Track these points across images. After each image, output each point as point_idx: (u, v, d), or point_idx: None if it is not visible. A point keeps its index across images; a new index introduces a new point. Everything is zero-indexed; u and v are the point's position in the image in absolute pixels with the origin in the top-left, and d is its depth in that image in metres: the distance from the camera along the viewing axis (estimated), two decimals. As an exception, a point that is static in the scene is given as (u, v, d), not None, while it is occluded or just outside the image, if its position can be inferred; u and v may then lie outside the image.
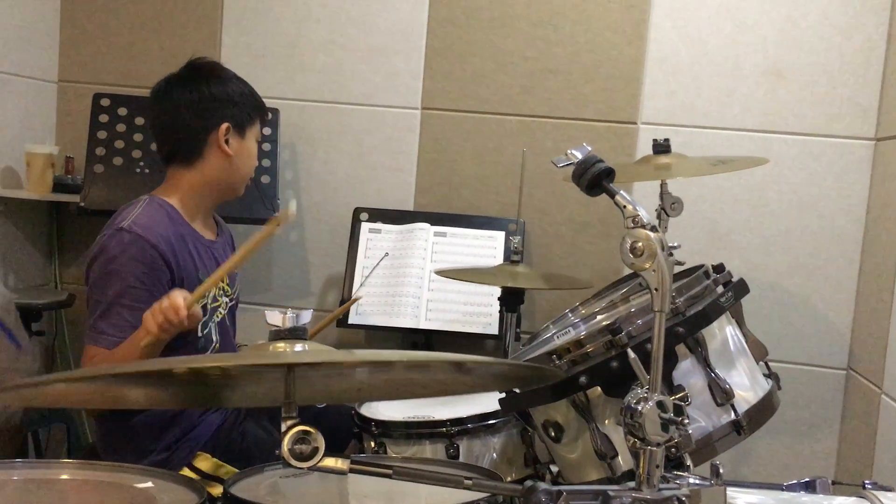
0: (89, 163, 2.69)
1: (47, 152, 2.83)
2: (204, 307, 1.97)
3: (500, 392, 1.66)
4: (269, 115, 2.11)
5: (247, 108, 2.05)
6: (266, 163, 2.77)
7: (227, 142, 2.00)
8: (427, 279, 2.65)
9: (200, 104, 1.99)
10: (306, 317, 1.22)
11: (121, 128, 2.74)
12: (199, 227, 2.03)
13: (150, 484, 1.42)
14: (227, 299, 2.09)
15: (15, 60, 2.85)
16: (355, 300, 2.40)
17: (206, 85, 2.00)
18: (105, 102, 2.76)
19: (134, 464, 1.85)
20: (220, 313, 2.05)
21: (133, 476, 1.45)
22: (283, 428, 1.11)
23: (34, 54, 2.93)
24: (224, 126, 1.99)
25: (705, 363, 1.55)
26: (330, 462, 1.13)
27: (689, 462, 1.42)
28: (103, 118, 2.74)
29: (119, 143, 2.72)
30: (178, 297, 1.72)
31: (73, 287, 3.00)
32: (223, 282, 2.07)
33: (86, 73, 3.01)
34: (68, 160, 2.93)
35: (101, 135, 2.73)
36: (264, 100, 2.82)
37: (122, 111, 2.75)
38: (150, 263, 1.86)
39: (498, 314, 2.55)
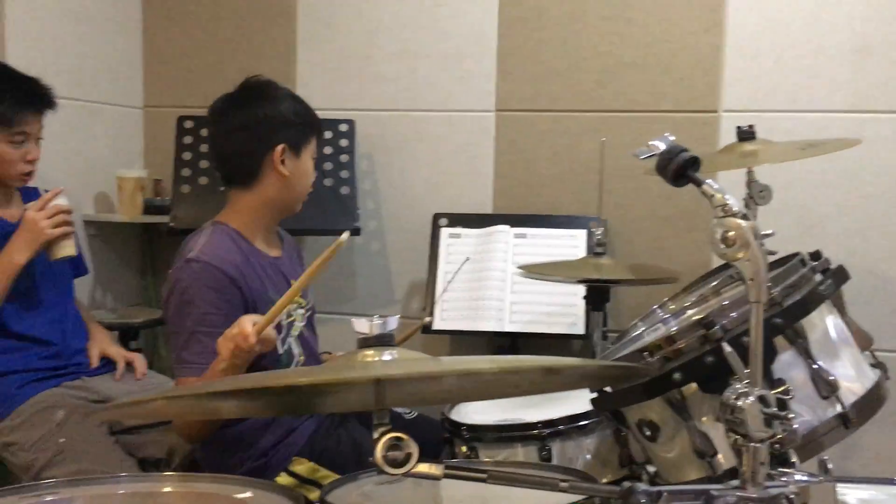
0: (176, 184, 2.78)
1: (137, 176, 2.93)
2: (278, 325, 1.99)
3: (591, 391, 1.63)
4: (324, 132, 2.10)
5: (301, 127, 2.02)
6: (344, 174, 2.81)
7: (283, 163, 1.98)
8: (509, 281, 2.63)
9: (255, 127, 1.98)
10: (393, 323, 1.22)
11: (204, 148, 2.81)
12: (262, 246, 2.05)
13: (249, 494, 1.44)
14: (303, 311, 2.11)
15: (103, 90, 2.96)
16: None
17: (259, 107, 1.99)
18: (189, 124, 2.84)
19: (233, 471, 1.91)
20: (298, 327, 2.08)
21: (233, 486, 1.47)
22: (376, 435, 1.11)
23: (120, 83, 3.05)
24: (279, 148, 1.98)
25: (807, 355, 1.48)
26: (424, 468, 1.13)
27: (794, 458, 1.36)
28: (188, 140, 2.83)
29: (203, 163, 2.79)
30: (247, 324, 1.73)
31: (167, 305, 3.10)
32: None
33: (169, 98, 3.11)
34: (157, 182, 3.03)
35: (187, 156, 2.81)
36: (340, 112, 2.90)
37: (205, 132, 2.81)
38: (222, 289, 1.88)
39: (583, 313, 2.51)
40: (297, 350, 2.04)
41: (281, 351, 1.99)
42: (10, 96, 2.18)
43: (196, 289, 1.88)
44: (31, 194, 2.33)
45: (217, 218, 2.04)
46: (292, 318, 2.05)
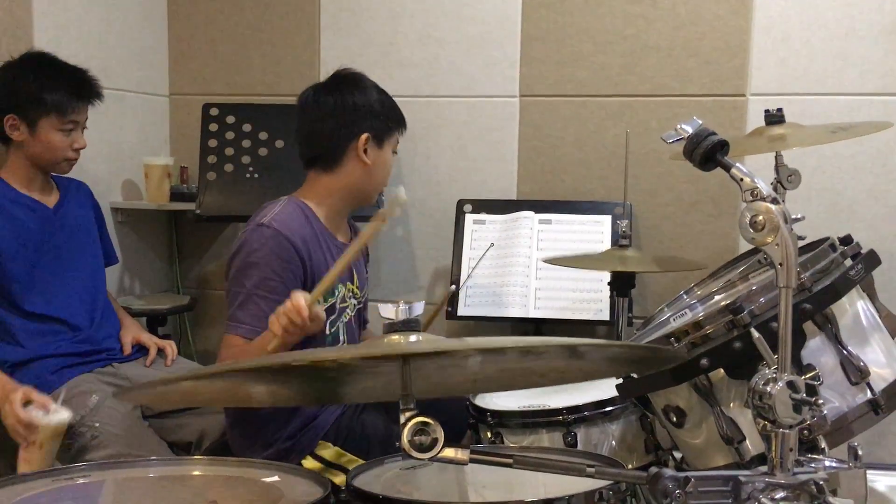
0: (202, 171, 2.79)
1: (163, 163, 2.95)
2: (332, 306, 2.03)
3: (617, 378, 1.63)
4: (406, 128, 2.15)
5: (387, 119, 2.09)
6: (369, 160, 2.81)
7: (365, 151, 2.04)
8: (534, 268, 2.63)
9: (344, 113, 2.04)
10: (419, 308, 1.23)
11: (230, 135, 2.83)
12: (333, 230, 2.10)
13: (276, 478, 1.46)
14: (356, 301, 2.15)
15: (129, 78, 2.99)
16: (451, 294, 2.40)
17: (350, 94, 2.06)
18: (214, 112, 2.85)
19: (261, 452, 1.93)
20: (348, 314, 2.11)
21: (260, 471, 1.49)
22: (402, 419, 1.12)
23: (146, 71, 3.07)
24: (364, 136, 2.04)
25: (836, 340, 1.47)
26: (450, 453, 1.13)
27: (823, 444, 1.35)
28: (213, 127, 2.84)
29: (229, 151, 2.81)
30: (300, 298, 1.77)
31: (194, 291, 3.13)
32: (353, 284, 2.12)
33: (195, 85, 3.13)
34: (183, 170, 3.06)
35: (212, 143, 2.82)
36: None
37: (231, 119, 2.84)
38: (287, 258, 1.93)
39: (608, 300, 2.50)
40: (342, 336, 2.08)
41: (329, 331, 2.01)
42: (63, 86, 2.26)
43: (262, 253, 1.92)
44: (65, 184, 2.40)
45: (294, 194, 2.09)
46: (346, 305, 2.08)
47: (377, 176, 2.10)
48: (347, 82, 2.10)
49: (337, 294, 2.04)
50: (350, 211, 2.16)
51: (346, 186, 2.07)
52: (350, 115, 2.05)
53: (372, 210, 2.28)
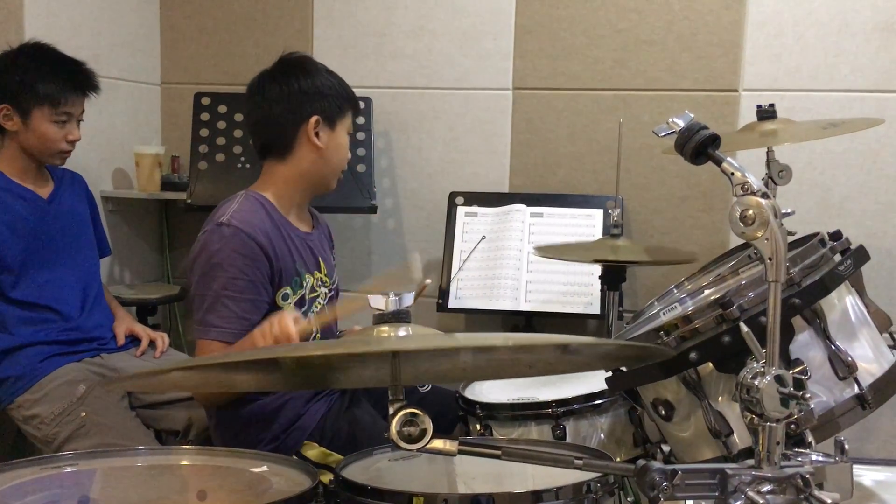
0: (193, 160, 2.78)
1: (154, 152, 2.94)
2: (302, 298, 2.01)
3: (607, 371, 1.63)
4: (362, 106, 2.12)
5: (336, 100, 2.05)
6: (361, 152, 2.80)
7: (317, 135, 2.01)
8: (525, 260, 2.63)
9: (290, 98, 2.00)
10: (409, 300, 1.22)
11: (221, 125, 2.82)
12: (294, 220, 2.06)
13: (265, 468, 1.46)
14: (326, 290, 2.13)
15: (121, 66, 2.97)
16: (424, 287, 2.39)
17: (295, 79, 2.02)
18: (206, 101, 2.84)
19: (247, 450, 1.92)
20: (319, 303, 2.09)
21: (249, 461, 1.49)
22: (391, 411, 1.12)
23: (138, 59, 3.05)
24: (313, 119, 2.00)
25: (825, 335, 1.47)
26: (438, 444, 1.13)
27: (810, 439, 1.36)
28: (204, 116, 2.83)
29: (220, 140, 2.80)
30: (290, 325, 1.74)
31: (185, 281, 3.11)
32: (321, 272, 2.10)
33: (187, 74, 3.11)
34: (174, 159, 3.04)
35: (204, 133, 2.81)
36: (357, 90, 2.85)
37: (222, 108, 2.83)
38: (250, 255, 1.89)
39: (599, 293, 2.51)
40: (315, 326, 2.06)
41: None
42: (58, 78, 2.26)
43: (225, 253, 1.89)
44: (60, 175, 2.41)
45: (250, 188, 2.06)
46: (316, 294, 2.07)
47: (332, 159, 2.05)
48: (294, 66, 2.05)
49: (306, 284, 2.02)
50: (309, 199, 2.12)
51: (301, 174, 2.02)
52: (297, 98, 2.00)
53: (333, 198, 2.25)
